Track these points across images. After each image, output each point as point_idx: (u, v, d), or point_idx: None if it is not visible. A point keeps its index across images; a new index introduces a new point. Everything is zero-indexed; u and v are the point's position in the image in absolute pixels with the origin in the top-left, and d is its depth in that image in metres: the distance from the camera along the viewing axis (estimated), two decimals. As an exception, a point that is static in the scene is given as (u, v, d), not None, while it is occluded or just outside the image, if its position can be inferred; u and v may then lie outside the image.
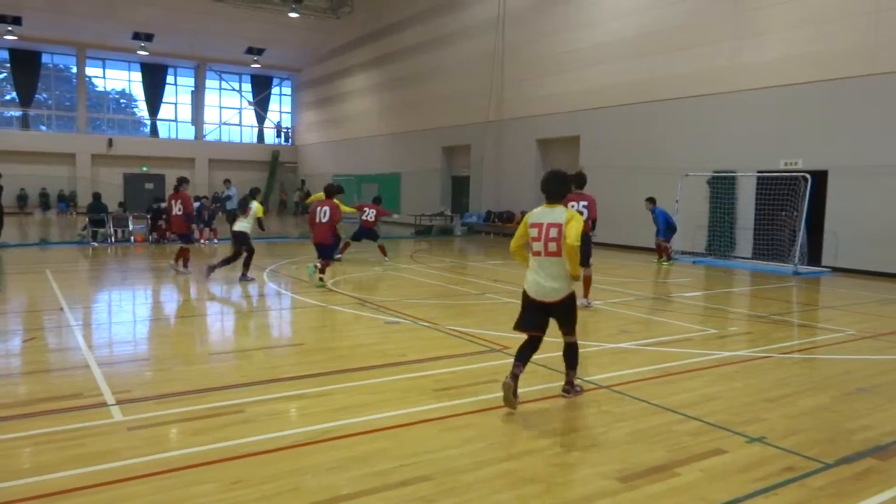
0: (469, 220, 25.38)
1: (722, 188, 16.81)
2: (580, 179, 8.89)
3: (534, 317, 5.11)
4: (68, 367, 6.10)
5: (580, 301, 8.23)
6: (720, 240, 16.82)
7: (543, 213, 5.08)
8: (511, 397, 4.80)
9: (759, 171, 15.89)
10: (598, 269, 14.46)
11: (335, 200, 11.52)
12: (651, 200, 15.63)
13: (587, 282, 9.22)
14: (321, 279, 11.06)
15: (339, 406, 5.01)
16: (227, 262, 11.58)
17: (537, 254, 5.05)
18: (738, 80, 16.49)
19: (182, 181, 13.26)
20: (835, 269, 14.46)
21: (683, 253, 16.17)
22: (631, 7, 19.32)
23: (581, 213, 8.31)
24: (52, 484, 3.60)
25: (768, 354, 6.93)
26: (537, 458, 4.10)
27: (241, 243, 11.56)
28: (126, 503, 3.42)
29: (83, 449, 4.10)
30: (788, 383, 5.91)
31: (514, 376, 4.87)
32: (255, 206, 11.52)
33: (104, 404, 4.96)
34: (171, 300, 10.52)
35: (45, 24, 32.24)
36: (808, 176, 14.14)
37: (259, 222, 11.58)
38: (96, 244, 17.91)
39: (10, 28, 31.19)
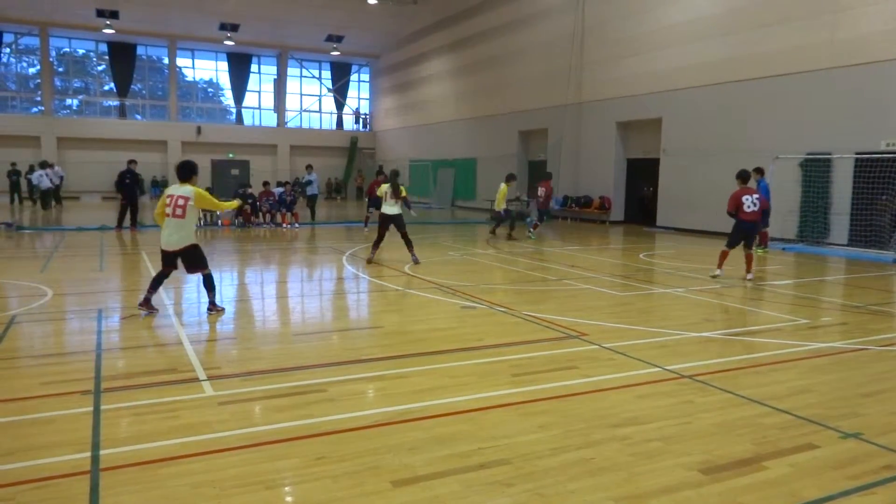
0: (545, 205, 25.02)
1: (815, 171, 15.92)
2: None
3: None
4: (163, 344, 6.46)
5: None
6: (813, 225, 15.97)
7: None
8: None
9: (857, 153, 14.96)
10: (681, 256, 14.06)
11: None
12: (759, 171, 13.67)
13: None
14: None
15: (417, 388, 5.09)
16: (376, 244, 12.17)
17: None
18: (835, 56, 15.52)
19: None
20: (941, 258, 13.48)
21: (772, 239, 15.44)
22: (718, -18, 18.48)
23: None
24: (152, 452, 3.84)
25: (865, 347, 6.56)
26: (616, 446, 4.04)
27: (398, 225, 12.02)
28: (217, 473, 3.59)
29: (178, 420, 4.34)
30: (887, 378, 5.58)
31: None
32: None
33: (196, 379, 5.22)
34: (254, 282, 10.93)
35: (139, 17, 34.03)
36: (912, 158, 13.23)
37: (405, 202, 12.03)
38: (187, 227, 18.74)
39: (108, 22, 33.07)
